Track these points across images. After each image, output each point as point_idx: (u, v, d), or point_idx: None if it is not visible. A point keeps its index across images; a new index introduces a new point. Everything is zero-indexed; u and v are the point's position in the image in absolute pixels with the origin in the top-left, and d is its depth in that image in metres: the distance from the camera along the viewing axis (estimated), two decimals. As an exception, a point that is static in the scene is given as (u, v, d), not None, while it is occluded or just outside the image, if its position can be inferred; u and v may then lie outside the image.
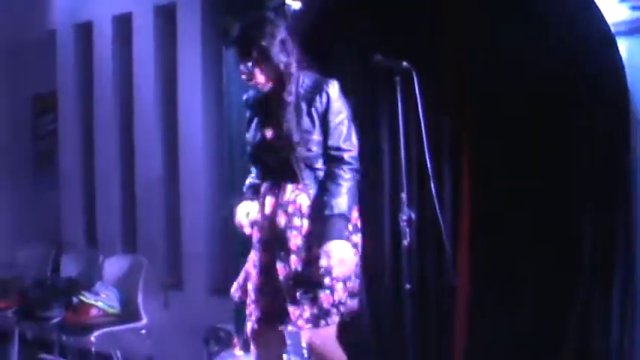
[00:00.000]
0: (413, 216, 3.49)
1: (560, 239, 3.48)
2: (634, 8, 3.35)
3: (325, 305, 2.75)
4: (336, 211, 2.73)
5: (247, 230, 2.98)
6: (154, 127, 5.36)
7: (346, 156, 2.82)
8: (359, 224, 3.01)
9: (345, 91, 3.00)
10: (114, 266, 5.23)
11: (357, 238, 2.94)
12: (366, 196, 3.82)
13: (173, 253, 5.33)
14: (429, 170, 3.50)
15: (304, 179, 2.79)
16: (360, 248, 2.98)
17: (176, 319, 4.96)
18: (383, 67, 3.45)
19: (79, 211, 5.91)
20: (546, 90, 3.46)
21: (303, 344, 3.40)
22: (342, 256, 2.71)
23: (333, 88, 2.79)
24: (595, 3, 3.32)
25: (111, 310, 4.86)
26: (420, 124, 3.45)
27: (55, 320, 4.91)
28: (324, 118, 2.77)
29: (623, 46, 3.32)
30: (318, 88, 2.78)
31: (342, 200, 2.76)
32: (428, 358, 3.70)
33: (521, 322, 3.52)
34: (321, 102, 2.77)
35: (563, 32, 3.35)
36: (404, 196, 3.49)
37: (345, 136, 2.82)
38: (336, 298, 2.77)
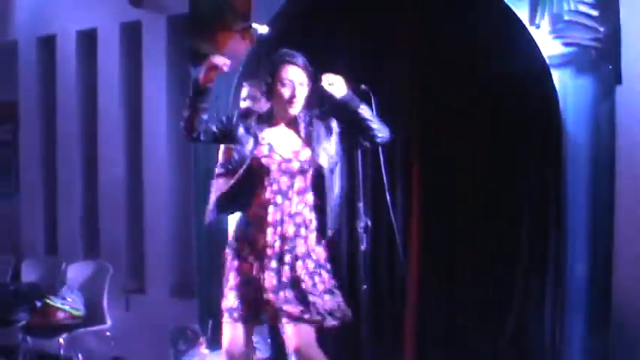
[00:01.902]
0: (369, 223, 3.87)
1: (499, 240, 3.89)
2: (566, 44, 3.74)
3: (318, 310, 3.05)
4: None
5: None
6: (117, 135, 5.53)
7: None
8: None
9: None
10: (77, 272, 5.33)
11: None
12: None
13: (135, 258, 5.51)
14: (385, 181, 3.88)
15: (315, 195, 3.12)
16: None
17: (139, 322, 5.15)
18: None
19: (39, 219, 6.01)
20: (488, 112, 3.87)
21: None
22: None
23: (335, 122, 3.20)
24: (533, 38, 3.75)
25: (76, 313, 4.97)
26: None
27: (20, 324, 5.00)
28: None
29: (556, 76, 3.74)
30: (326, 120, 3.17)
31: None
32: (382, 351, 4.05)
33: (464, 314, 3.91)
34: (330, 131, 3.19)
35: (504, 62, 3.73)
36: (361, 205, 3.87)
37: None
38: (326, 306, 3.07)
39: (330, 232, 3.20)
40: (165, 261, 5.34)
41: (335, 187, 3.19)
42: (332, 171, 3.15)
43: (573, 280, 3.85)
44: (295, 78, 3.07)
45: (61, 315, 4.97)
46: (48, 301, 4.97)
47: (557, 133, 3.76)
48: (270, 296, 3.05)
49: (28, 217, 6.06)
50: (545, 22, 3.77)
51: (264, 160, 3.08)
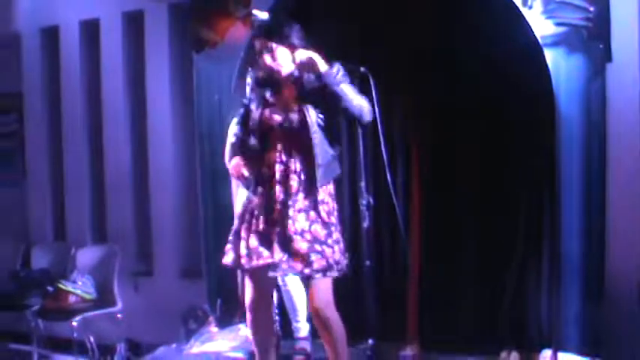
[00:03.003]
0: (371, 201, 4.02)
1: (497, 216, 4.04)
2: (557, 24, 3.86)
3: (330, 260, 3.22)
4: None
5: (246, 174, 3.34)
6: (123, 122, 5.64)
7: None
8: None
9: None
10: (86, 256, 5.48)
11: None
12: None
13: (143, 241, 5.65)
14: (385, 161, 4.02)
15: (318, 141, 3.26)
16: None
17: (148, 304, 5.28)
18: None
19: (47, 207, 6.12)
20: (482, 93, 4.01)
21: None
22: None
23: None
24: (525, 18, 3.87)
25: (88, 297, 5.13)
26: (376, 121, 3.98)
27: (33, 308, 5.15)
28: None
29: (549, 56, 3.87)
30: None
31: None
32: (386, 324, 4.20)
33: (464, 288, 4.07)
34: None
35: (498, 42, 3.87)
36: (362, 184, 4.01)
37: None
38: (336, 256, 3.24)
39: (319, 185, 3.30)
40: (172, 244, 5.47)
41: (324, 144, 3.30)
42: (320, 127, 3.27)
43: (568, 254, 3.99)
44: (268, 45, 3.26)
45: (72, 299, 5.12)
46: (60, 285, 5.12)
47: (550, 110, 3.90)
48: (277, 248, 3.20)
49: (37, 205, 6.16)
50: (537, 3, 3.90)
51: (269, 122, 3.28)
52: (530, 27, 3.86)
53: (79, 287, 5.15)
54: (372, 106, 3.91)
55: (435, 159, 4.22)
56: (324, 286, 3.30)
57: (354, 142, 4.17)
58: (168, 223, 5.47)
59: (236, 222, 3.39)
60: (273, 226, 3.23)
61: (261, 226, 3.26)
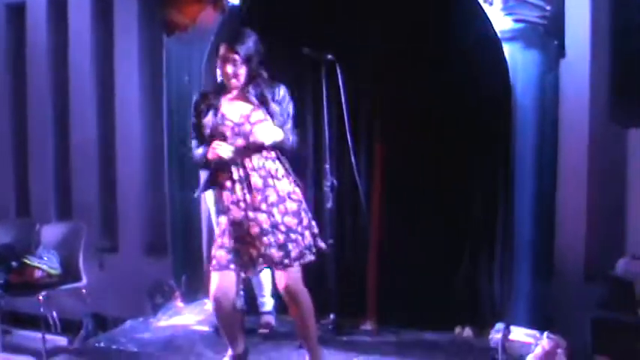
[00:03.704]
0: (335, 183, 4.20)
1: (454, 200, 4.26)
2: (516, 21, 4.07)
3: (301, 248, 3.40)
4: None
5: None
6: (89, 99, 5.67)
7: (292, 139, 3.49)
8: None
9: (275, 77, 3.56)
10: (51, 233, 5.43)
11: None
12: (295, 167, 4.52)
13: (107, 218, 5.72)
14: (350, 145, 4.20)
15: (270, 150, 3.42)
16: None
17: (113, 280, 5.35)
18: (310, 58, 4.12)
19: (10, 183, 6.12)
20: (444, 82, 4.18)
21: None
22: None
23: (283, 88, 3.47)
24: (484, 12, 4.08)
25: (53, 272, 5.11)
26: (342, 106, 4.15)
27: None
28: (280, 105, 3.44)
29: (507, 50, 4.08)
30: (273, 86, 3.45)
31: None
32: (347, 300, 4.41)
33: (421, 266, 4.27)
34: (278, 94, 3.44)
35: (460, 35, 4.06)
36: (327, 166, 4.20)
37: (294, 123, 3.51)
38: (306, 242, 3.42)
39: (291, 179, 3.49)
40: (137, 220, 5.56)
41: (289, 140, 3.45)
42: (282, 128, 3.41)
43: (520, 235, 4.23)
44: (230, 56, 3.35)
45: (38, 274, 5.10)
46: (25, 260, 5.09)
47: (507, 100, 4.12)
48: (255, 243, 3.37)
49: (0, 181, 6.14)
50: (497, 0, 4.10)
51: (219, 128, 3.39)
52: (490, 22, 4.05)
53: (45, 262, 5.14)
54: (339, 92, 4.14)
55: (396, 144, 4.39)
56: (299, 274, 3.46)
57: (319, 126, 4.38)
58: (134, 199, 5.56)
59: (217, 230, 3.53)
60: (243, 224, 3.39)
61: (232, 224, 3.41)
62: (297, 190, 3.49)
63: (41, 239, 5.45)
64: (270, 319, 4.34)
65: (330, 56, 4.10)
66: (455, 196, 4.27)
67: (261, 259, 3.41)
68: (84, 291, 5.16)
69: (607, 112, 4.06)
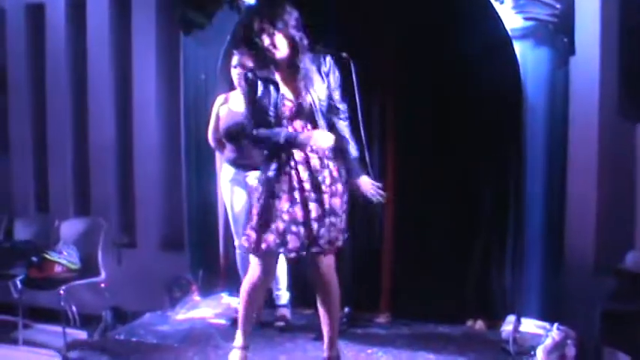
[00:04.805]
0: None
1: (467, 195, 4.33)
2: (526, 19, 4.12)
3: (340, 231, 3.44)
4: (354, 154, 3.47)
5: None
6: (108, 96, 5.73)
7: (343, 108, 3.52)
8: None
9: None
10: (70, 228, 5.54)
11: None
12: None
13: (125, 213, 5.80)
14: (363, 142, 4.26)
15: (325, 127, 3.41)
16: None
17: (131, 274, 5.42)
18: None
19: (30, 179, 6.19)
20: (456, 79, 4.25)
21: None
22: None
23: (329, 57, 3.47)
24: (495, 10, 4.14)
25: (72, 267, 5.21)
26: (355, 104, 4.21)
27: (18, 278, 5.18)
28: (329, 77, 3.46)
29: (518, 47, 4.14)
30: (319, 57, 3.44)
31: (353, 145, 3.48)
32: (361, 293, 4.50)
33: (434, 260, 4.35)
34: (325, 64, 3.45)
35: (472, 33, 4.11)
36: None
37: (342, 92, 3.52)
38: (343, 225, 3.46)
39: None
40: (155, 216, 5.63)
41: (340, 113, 3.49)
42: (322, 112, 3.40)
43: (531, 230, 4.30)
44: (267, 29, 3.31)
45: (58, 268, 5.18)
46: (45, 255, 5.18)
47: (517, 97, 4.19)
48: (311, 226, 3.35)
49: (19, 177, 6.21)
50: (508, -1, 4.16)
51: (280, 106, 3.36)
52: (501, 20, 4.12)
53: (65, 257, 5.22)
54: (352, 89, 4.20)
55: (409, 141, 4.47)
56: (333, 262, 3.49)
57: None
58: (152, 195, 5.63)
59: (256, 206, 3.44)
60: (299, 206, 3.37)
61: (286, 208, 3.37)
62: (338, 175, 3.47)
63: (60, 235, 5.56)
64: (286, 312, 4.42)
65: (344, 54, 4.16)
66: (467, 191, 4.35)
67: (311, 243, 3.36)
68: (103, 285, 5.25)
69: (616, 108, 4.11)
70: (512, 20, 4.15)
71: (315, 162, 3.39)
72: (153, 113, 5.58)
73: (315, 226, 3.35)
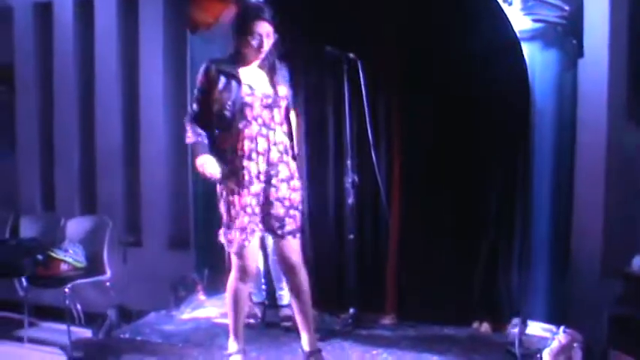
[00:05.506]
0: (356, 179, 4.27)
1: (474, 198, 4.31)
2: (535, 21, 4.11)
3: (297, 224, 3.59)
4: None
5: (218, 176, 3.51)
6: (115, 94, 5.76)
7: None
8: None
9: (297, 75, 3.76)
10: (76, 227, 5.58)
11: None
12: (317, 163, 4.60)
13: (131, 212, 5.82)
14: (370, 142, 4.27)
15: (287, 124, 3.59)
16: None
17: (137, 273, 5.43)
18: (332, 56, 4.19)
19: (36, 177, 6.22)
20: (464, 81, 4.21)
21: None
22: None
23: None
24: (504, 12, 4.12)
25: (78, 265, 5.26)
26: (363, 104, 4.22)
27: (24, 276, 5.22)
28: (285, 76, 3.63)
29: (526, 49, 4.11)
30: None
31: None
32: (367, 295, 4.48)
33: (440, 262, 4.33)
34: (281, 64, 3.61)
35: (480, 34, 4.09)
36: (349, 162, 4.27)
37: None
38: (299, 223, 3.63)
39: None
40: (160, 215, 5.65)
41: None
42: (287, 107, 3.60)
43: (537, 233, 4.28)
44: (264, 31, 3.46)
45: (64, 267, 5.22)
46: (51, 253, 5.22)
47: (525, 99, 4.16)
48: (260, 213, 3.51)
49: (26, 175, 6.24)
50: (517, 0, 4.14)
51: (248, 99, 3.46)
52: (509, 22, 4.09)
53: (70, 255, 5.26)
54: (360, 89, 4.20)
55: (416, 141, 4.45)
56: (296, 247, 3.62)
57: (340, 124, 4.45)
58: (157, 195, 5.65)
59: (223, 207, 3.56)
60: (256, 196, 3.50)
61: (246, 201, 3.49)
62: (296, 168, 3.65)
63: (66, 233, 5.60)
64: (289, 312, 4.40)
65: (351, 55, 4.17)
66: (474, 193, 4.33)
67: (260, 226, 3.53)
68: (108, 284, 5.29)
69: (625, 110, 4.11)
70: (520, 22, 4.13)
71: (274, 154, 3.51)
72: (160, 112, 5.60)
73: (264, 212, 3.52)
